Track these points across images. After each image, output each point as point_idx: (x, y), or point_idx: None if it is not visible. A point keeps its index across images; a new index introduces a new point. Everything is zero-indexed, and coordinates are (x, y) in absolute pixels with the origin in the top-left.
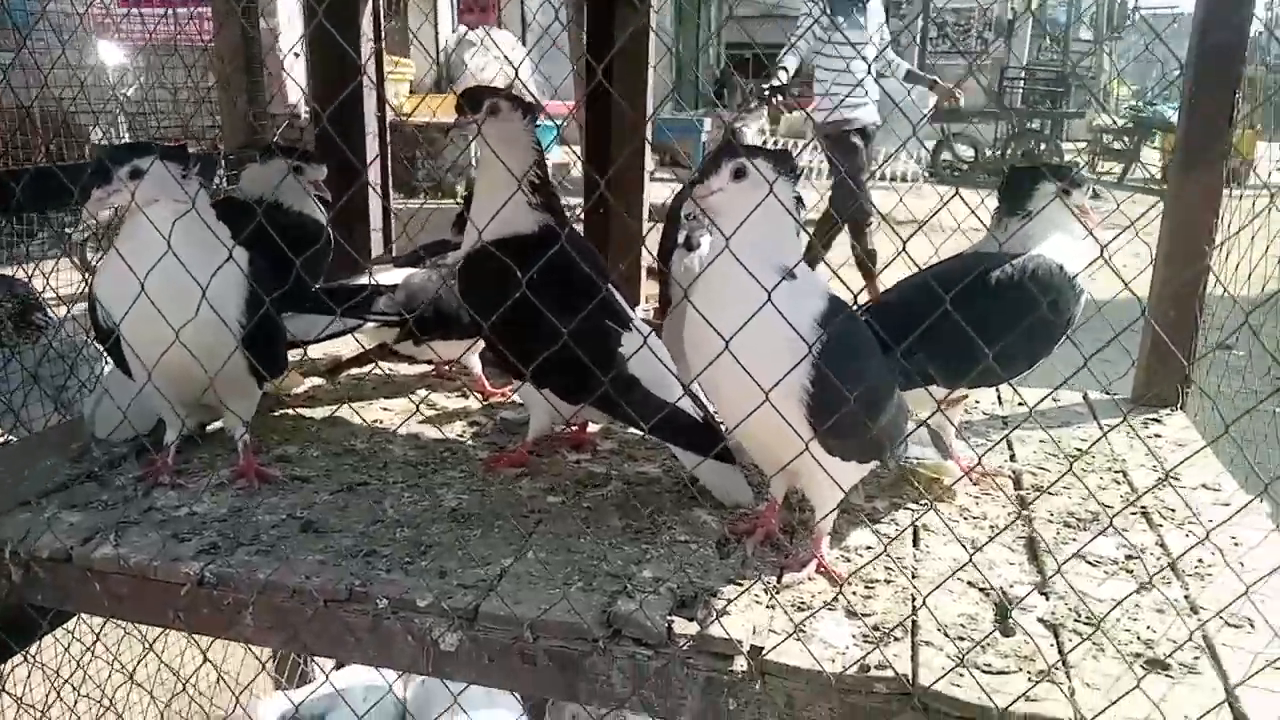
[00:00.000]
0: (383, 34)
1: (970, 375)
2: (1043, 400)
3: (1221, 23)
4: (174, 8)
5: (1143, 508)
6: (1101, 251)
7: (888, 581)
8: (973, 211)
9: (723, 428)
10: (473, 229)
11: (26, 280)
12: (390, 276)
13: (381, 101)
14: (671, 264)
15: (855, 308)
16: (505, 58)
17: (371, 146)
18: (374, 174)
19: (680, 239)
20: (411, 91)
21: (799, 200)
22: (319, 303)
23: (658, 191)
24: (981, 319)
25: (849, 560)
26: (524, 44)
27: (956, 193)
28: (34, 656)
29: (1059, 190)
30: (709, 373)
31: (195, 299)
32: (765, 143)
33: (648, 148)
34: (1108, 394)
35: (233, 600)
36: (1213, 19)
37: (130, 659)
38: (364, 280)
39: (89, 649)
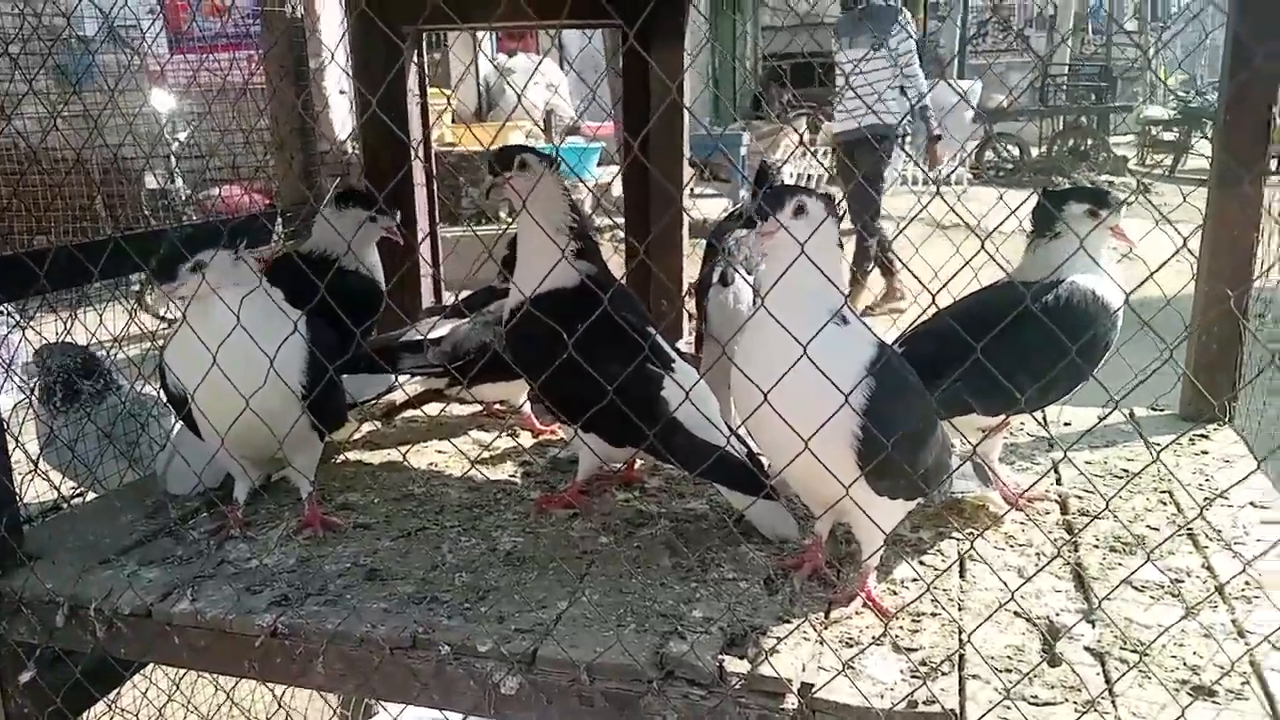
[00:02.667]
0: (426, 78)
1: (1009, 404)
2: (1093, 427)
3: (1256, 43)
4: (216, 53)
5: (1189, 529)
6: (1148, 270)
7: (934, 614)
8: (1012, 212)
9: (767, 465)
10: (516, 286)
11: (86, 346)
12: (439, 329)
13: (428, 149)
14: (708, 299)
15: (896, 339)
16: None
17: (420, 196)
18: (424, 220)
19: (715, 275)
20: (454, 120)
21: (841, 245)
22: (373, 363)
23: (699, 208)
24: (1018, 349)
25: (896, 594)
26: (564, 70)
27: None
28: (112, 703)
29: (1087, 212)
30: (755, 418)
31: (262, 369)
32: (805, 154)
33: (685, 190)
34: (1155, 410)
35: (304, 650)
36: (1246, 40)
37: (203, 700)
38: (411, 334)
39: (169, 695)
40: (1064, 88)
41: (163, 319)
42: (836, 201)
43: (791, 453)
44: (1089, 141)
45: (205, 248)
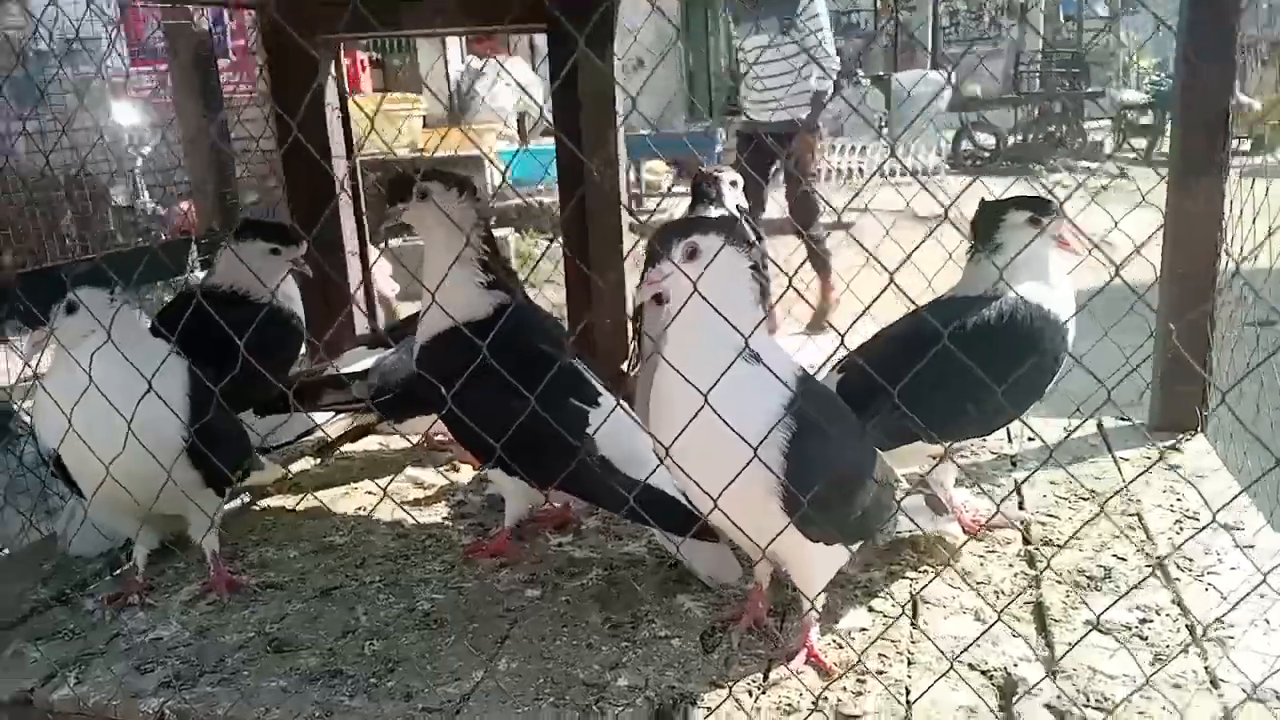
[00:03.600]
0: (347, 98)
1: (955, 430)
2: (1049, 454)
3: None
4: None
5: (1159, 558)
6: (1116, 270)
7: (881, 672)
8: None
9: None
10: (424, 321)
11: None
12: (364, 360)
13: (354, 170)
14: (645, 318)
15: (833, 364)
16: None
17: (347, 216)
18: (351, 243)
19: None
20: (425, 126)
21: (757, 266)
22: (291, 403)
23: (678, 208)
24: (962, 371)
25: (841, 647)
26: (536, 72)
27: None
28: None
29: (1028, 220)
30: (676, 465)
31: (123, 429)
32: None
33: (622, 195)
34: (1123, 420)
35: None
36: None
37: None
38: (335, 368)
39: None
40: (1037, 74)
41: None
42: (740, 225)
43: (710, 501)
44: (1064, 128)
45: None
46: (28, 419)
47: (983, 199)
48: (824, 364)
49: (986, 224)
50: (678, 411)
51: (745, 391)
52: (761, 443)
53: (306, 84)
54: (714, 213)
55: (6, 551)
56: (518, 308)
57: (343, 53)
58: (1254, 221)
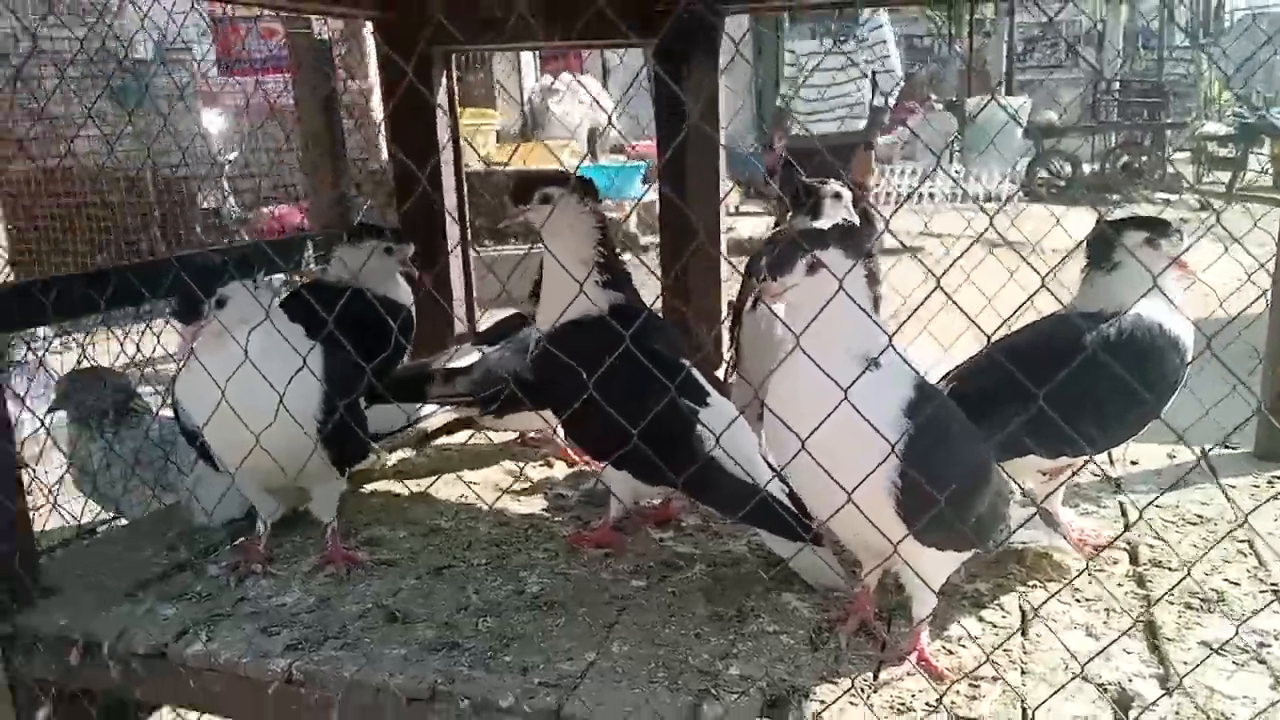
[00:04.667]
0: (456, 103)
1: (1070, 446)
2: (1174, 483)
3: None
4: (267, 75)
5: (1274, 584)
6: (1215, 296)
7: (995, 679)
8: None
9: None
10: (543, 314)
11: (122, 370)
12: (468, 356)
13: (460, 175)
14: (741, 327)
15: (947, 377)
16: (595, 101)
17: (452, 226)
18: (457, 245)
19: (750, 300)
20: (499, 140)
21: (872, 276)
22: (399, 393)
23: (743, 226)
24: (1079, 387)
25: (951, 653)
26: (607, 89)
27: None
28: None
29: (1145, 241)
30: (793, 467)
31: (273, 403)
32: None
33: (723, 211)
34: (1228, 448)
35: (319, 697)
36: None
37: None
38: (440, 363)
39: None
40: (1116, 103)
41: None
42: (861, 234)
43: (829, 504)
44: (1143, 158)
45: (216, 277)
46: (147, 398)
47: (1100, 218)
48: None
49: (1104, 243)
50: (805, 413)
51: (867, 397)
52: (895, 445)
53: (418, 92)
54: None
55: (125, 522)
56: (633, 307)
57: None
58: None
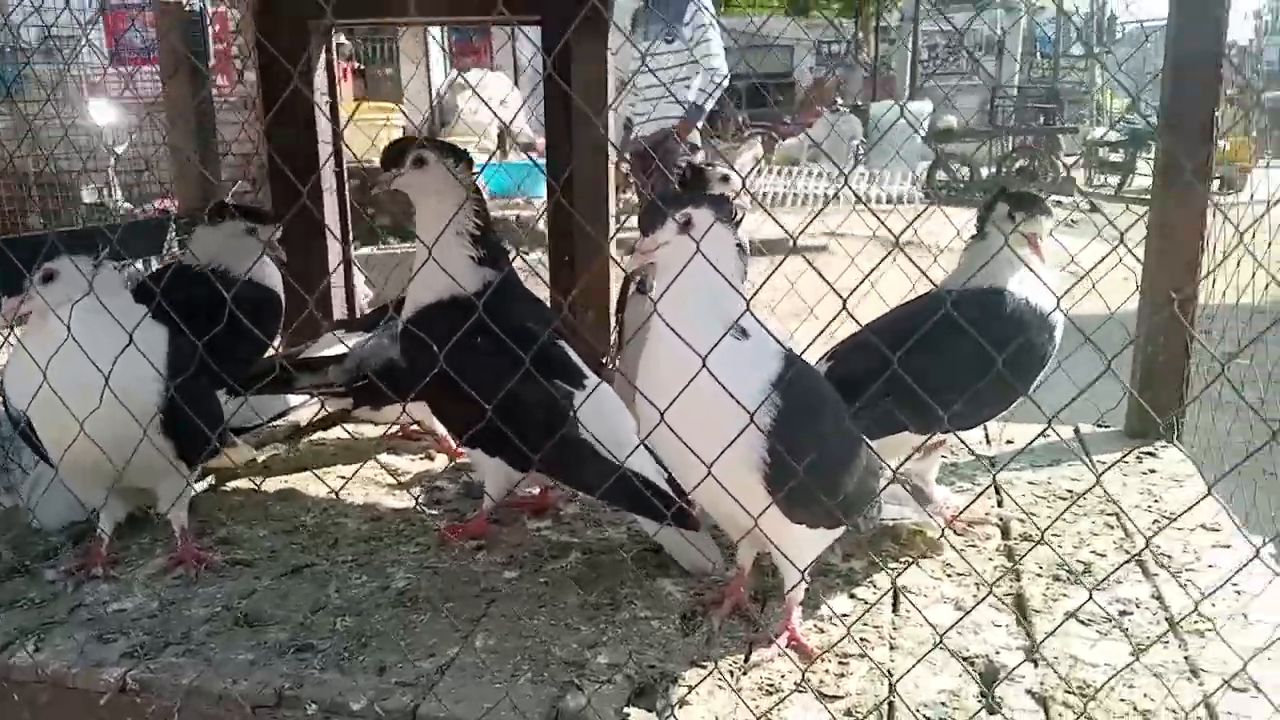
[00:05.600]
0: (337, 86)
1: (942, 421)
2: (1027, 445)
3: (1194, 34)
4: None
5: (1138, 549)
6: (1091, 284)
7: (863, 656)
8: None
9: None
10: (412, 291)
11: None
12: (340, 345)
13: (339, 155)
14: (628, 306)
15: (823, 355)
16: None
17: (330, 203)
18: (335, 228)
19: (634, 282)
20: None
21: (740, 248)
22: (266, 383)
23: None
24: (949, 360)
25: (822, 631)
26: (517, 85)
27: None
28: None
29: (1008, 214)
30: (660, 439)
31: (99, 389)
32: (760, 172)
33: (612, 194)
34: (1101, 426)
35: (157, 708)
36: (1186, 31)
37: None
38: (311, 351)
39: None
40: (1012, 109)
41: None
42: (731, 202)
43: (696, 476)
44: (1037, 162)
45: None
46: None
47: (1000, 186)
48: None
49: (983, 213)
50: (665, 382)
51: (733, 366)
52: (754, 413)
53: (294, 69)
54: None
55: None
56: (506, 284)
57: (334, 48)
58: (1223, 253)
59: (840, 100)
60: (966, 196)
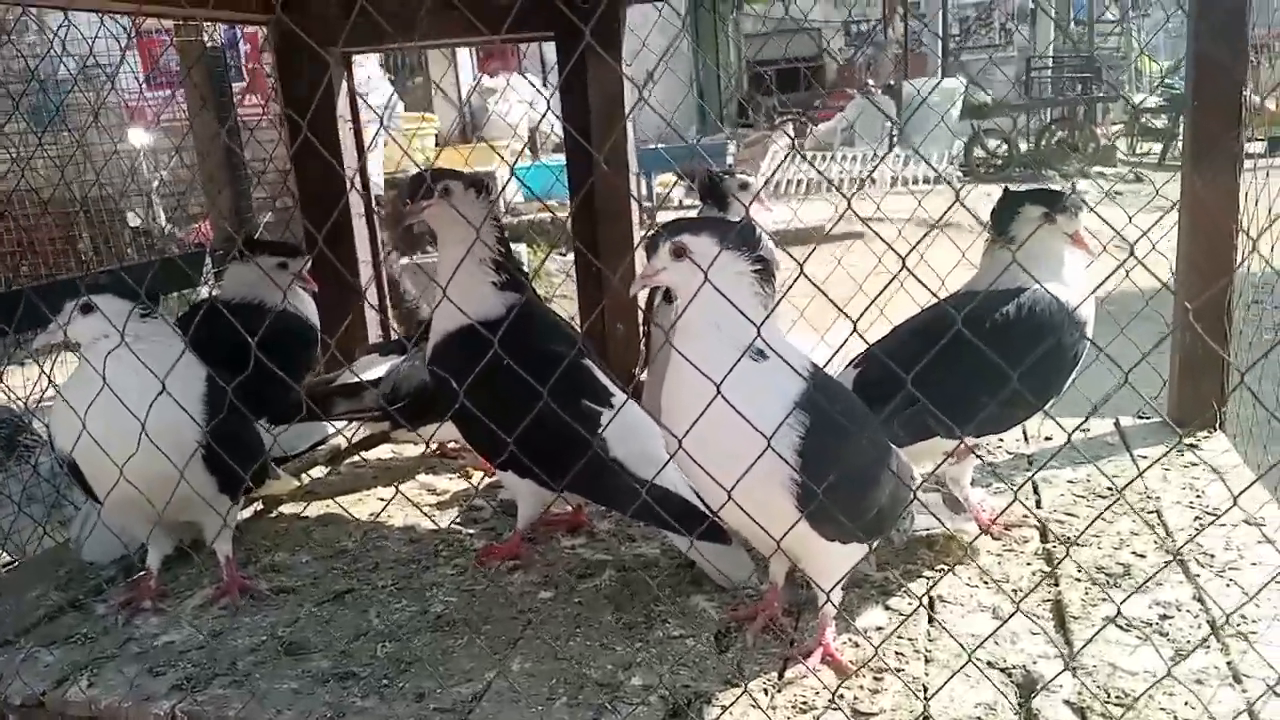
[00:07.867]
0: (359, 111)
1: (972, 424)
2: (1063, 446)
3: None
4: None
5: (1180, 556)
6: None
7: (898, 670)
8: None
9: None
10: (437, 320)
11: (8, 405)
12: (377, 368)
13: (366, 181)
14: (655, 315)
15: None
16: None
17: (359, 227)
18: (364, 252)
19: (662, 291)
20: (438, 144)
21: (765, 267)
22: (305, 411)
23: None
24: (978, 365)
25: (857, 645)
26: (547, 84)
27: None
28: None
29: (1042, 215)
30: (688, 464)
31: (151, 428)
32: (789, 157)
33: (634, 204)
34: (1141, 418)
35: None
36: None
37: None
38: (348, 377)
39: None
40: (1049, 80)
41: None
42: (739, 225)
43: (723, 498)
44: (1077, 133)
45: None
46: (41, 432)
47: (1006, 188)
48: (830, 358)
49: (1004, 215)
50: (688, 407)
51: (753, 388)
52: (772, 436)
53: (317, 96)
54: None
55: (17, 561)
56: (530, 308)
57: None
58: (1269, 212)
59: (872, 82)
60: (1005, 172)
